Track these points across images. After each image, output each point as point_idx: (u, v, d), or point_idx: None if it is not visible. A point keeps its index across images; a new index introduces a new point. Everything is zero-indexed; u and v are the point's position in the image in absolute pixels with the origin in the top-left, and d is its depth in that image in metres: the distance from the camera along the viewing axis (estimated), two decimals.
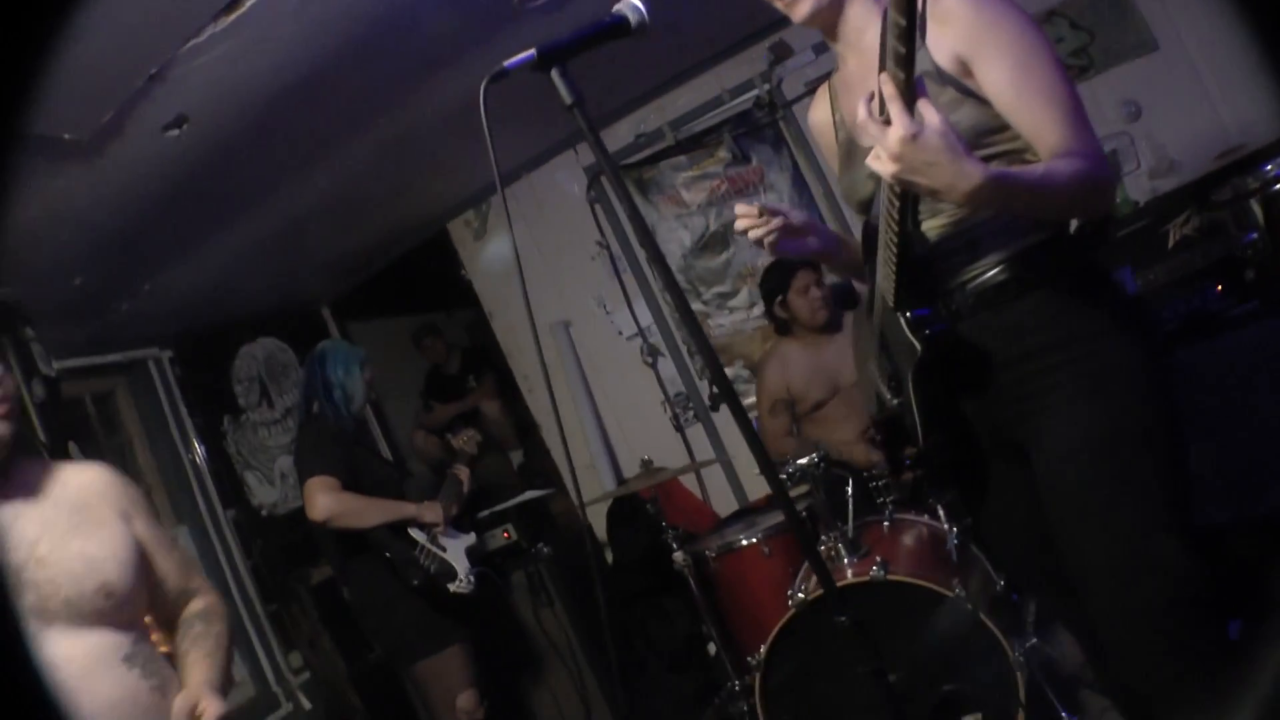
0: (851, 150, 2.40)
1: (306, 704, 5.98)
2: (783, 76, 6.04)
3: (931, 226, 2.27)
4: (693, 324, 2.34)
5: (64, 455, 4.39)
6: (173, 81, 3.57)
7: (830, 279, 5.35)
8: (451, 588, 4.41)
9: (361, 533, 4.38)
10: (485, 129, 2.05)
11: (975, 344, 2.26)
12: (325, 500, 4.27)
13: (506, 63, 2.06)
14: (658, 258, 2.23)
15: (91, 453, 5.01)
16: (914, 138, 1.82)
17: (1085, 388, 2.18)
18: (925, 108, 1.83)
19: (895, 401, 2.44)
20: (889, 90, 1.81)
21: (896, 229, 2.11)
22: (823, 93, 2.63)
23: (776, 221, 2.42)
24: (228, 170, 4.47)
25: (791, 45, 5.99)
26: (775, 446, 5.31)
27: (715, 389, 6.33)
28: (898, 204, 2.05)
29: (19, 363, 4.27)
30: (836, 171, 2.64)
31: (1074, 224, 2.26)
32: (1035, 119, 2.08)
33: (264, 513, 6.38)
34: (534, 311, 6.03)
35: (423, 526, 4.51)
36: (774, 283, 5.36)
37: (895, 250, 2.15)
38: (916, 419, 2.37)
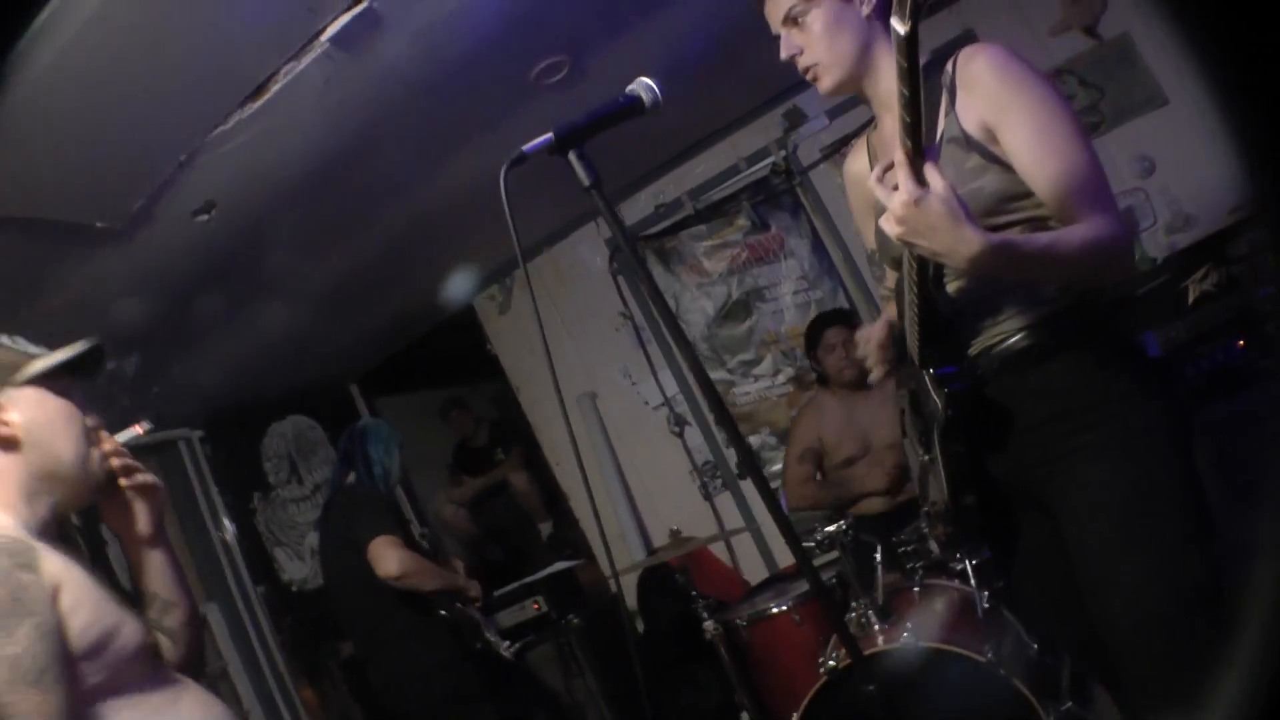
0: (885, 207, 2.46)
1: None
2: (798, 143, 6.11)
3: (956, 289, 2.30)
4: (714, 398, 2.35)
5: (96, 535, 4.43)
6: (201, 168, 3.67)
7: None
8: (503, 651, 4.43)
9: (415, 602, 4.40)
10: (507, 211, 2.10)
11: (1000, 406, 2.29)
12: (399, 555, 4.30)
13: (525, 147, 2.12)
14: (677, 334, 2.25)
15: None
16: (916, 203, 1.89)
17: (1109, 451, 2.18)
18: (931, 174, 1.90)
19: (925, 458, 2.46)
20: (897, 157, 1.90)
21: (917, 288, 2.17)
22: (861, 145, 2.67)
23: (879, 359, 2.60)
24: (255, 252, 4.56)
25: (805, 111, 6.06)
26: (797, 492, 5.34)
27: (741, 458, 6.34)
28: (915, 264, 2.11)
29: None
30: (861, 225, 2.76)
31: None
32: (1052, 185, 2.10)
33: (294, 588, 6.39)
34: (559, 384, 6.12)
35: (465, 601, 4.54)
36: (809, 337, 5.43)
37: (918, 309, 2.21)
38: (943, 476, 2.39)
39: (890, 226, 1.97)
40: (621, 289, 6.47)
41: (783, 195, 6.25)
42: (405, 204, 4.91)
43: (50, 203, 3.42)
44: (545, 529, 7.91)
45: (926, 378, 2.29)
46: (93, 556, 4.26)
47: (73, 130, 3.11)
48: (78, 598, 1.71)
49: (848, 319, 5.47)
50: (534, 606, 5.34)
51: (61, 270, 3.90)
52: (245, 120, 3.50)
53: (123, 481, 2.11)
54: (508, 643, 4.49)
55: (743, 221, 6.33)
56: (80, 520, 4.32)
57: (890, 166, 1.98)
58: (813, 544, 4.13)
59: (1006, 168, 2.17)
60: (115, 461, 2.07)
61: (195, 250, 4.24)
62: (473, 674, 4.41)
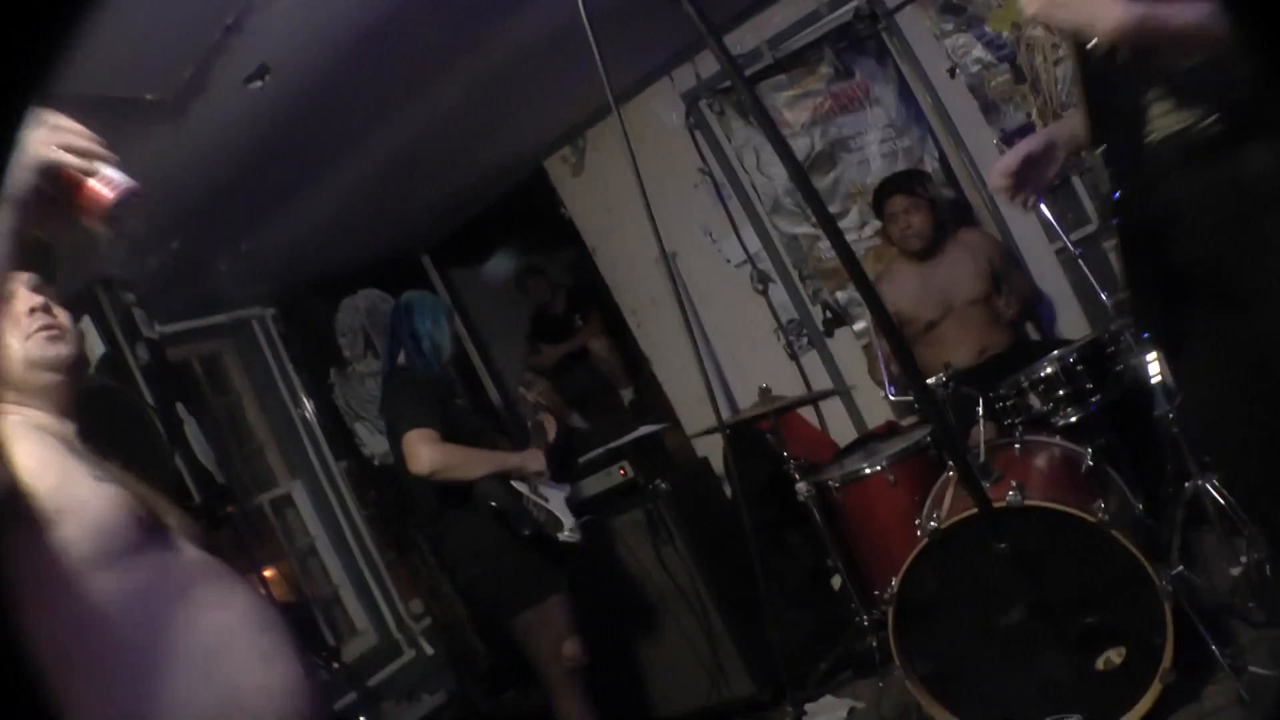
0: None
1: (429, 650, 6.03)
2: None
3: (1132, 69, 2.19)
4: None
5: (173, 417, 4.38)
6: (250, 32, 3.49)
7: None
8: (561, 537, 4.29)
9: (466, 485, 4.28)
10: (584, 15, 1.90)
11: (1187, 197, 2.20)
12: (429, 452, 4.10)
13: None
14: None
15: (202, 413, 5.01)
16: None
17: None
18: None
19: (1106, 245, 2.37)
20: None
21: (1082, 74, 2.16)
22: None
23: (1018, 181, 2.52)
24: (315, 119, 4.40)
25: None
26: (877, 365, 5.23)
27: (828, 314, 6.16)
28: (1075, 50, 2.12)
29: (122, 328, 4.26)
30: None
31: None
32: None
33: (376, 462, 6.37)
34: (637, 245, 5.98)
35: (524, 477, 4.41)
36: (874, 203, 5.38)
37: (1087, 97, 2.20)
38: (1118, 259, 2.40)
39: (1029, 4, 1.98)
40: (700, 144, 6.27)
41: (867, 41, 5.95)
42: (472, 60, 4.69)
43: (94, 77, 3.25)
44: (627, 395, 7.82)
45: (1100, 164, 2.21)
46: (169, 434, 4.20)
47: None
48: (40, 465, 1.66)
49: (911, 184, 5.30)
50: (620, 473, 5.22)
51: (116, 149, 3.74)
52: None
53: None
54: (571, 525, 4.35)
55: (825, 70, 6.04)
56: (154, 399, 4.27)
57: None
58: (910, 398, 3.99)
59: None
60: None
61: (252, 120, 4.09)
62: (530, 556, 4.29)
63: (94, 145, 1.55)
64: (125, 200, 1.58)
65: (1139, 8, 1.90)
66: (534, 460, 4.39)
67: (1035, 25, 5.38)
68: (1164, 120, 2.17)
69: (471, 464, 4.22)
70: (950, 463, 3.84)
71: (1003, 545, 2.18)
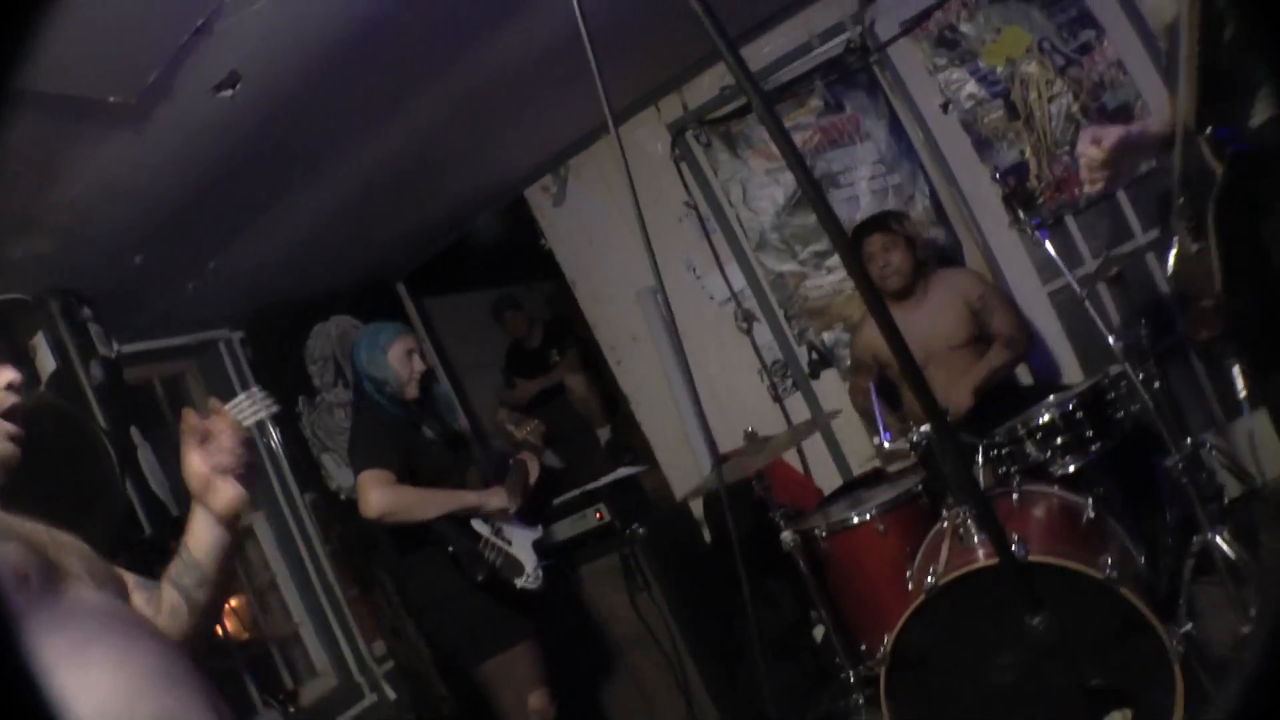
0: None
1: (391, 694, 5.84)
2: (874, 17, 5.66)
3: (1242, 51, 2.09)
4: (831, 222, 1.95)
5: (126, 440, 4.16)
6: (221, 34, 3.29)
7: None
8: (518, 583, 4.16)
9: (421, 526, 4.12)
10: (582, 26, 1.73)
11: None
12: (378, 495, 4.03)
13: None
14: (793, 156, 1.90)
15: (160, 437, 4.80)
16: None
17: None
18: None
19: (1194, 249, 2.30)
20: None
21: (1199, 35, 2.03)
22: None
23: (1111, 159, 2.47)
24: (288, 133, 4.22)
25: None
26: (857, 404, 5.43)
27: (814, 355, 6.01)
28: (1199, 5, 1.99)
29: (75, 344, 4.05)
30: None
31: None
32: None
33: (342, 496, 6.16)
34: (619, 279, 5.84)
35: (487, 519, 4.23)
36: (854, 243, 5.18)
37: (1197, 63, 2.07)
38: (1215, 260, 2.24)
39: None
40: (685, 176, 6.14)
41: (858, 74, 5.86)
42: (454, 78, 4.53)
43: (52, 74, 3.05)
44: (604, 434, 7.69)
45: (1203, 142, 2.12)
46: (120, 460, 3.99)
47: None
48: None
49: (887, 222, 5.20)
50: (596, 516, 5.06)
51: (75, 153, 3.58)
52: None
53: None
54: (531, 569, 4.19)
55: (815, 103, 5.93)
56: (107, 421, 4.05)
57: None
58: (908, 445, 3.85)
59: None
60: None
61: (221, 130, 3.90)
62: (495, 602, 4.18)
63: None
64: None
65: None
66: (494, 498, 4.25)
67: (1029, 61, 5.31)
68: (1272, 100, 2.12)
69: (424, 506, 4.11)
70: (945, 514, 3.68)
71: (1037, 620, 1.99)
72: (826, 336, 6.06)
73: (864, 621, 4.16)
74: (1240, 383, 3.37)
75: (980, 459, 3.72)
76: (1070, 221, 5.32)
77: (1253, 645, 1.93)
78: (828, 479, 6.01)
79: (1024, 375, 5.41)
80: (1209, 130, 2.09)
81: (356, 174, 5.00)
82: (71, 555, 1.73)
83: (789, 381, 6.18)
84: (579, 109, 5.66)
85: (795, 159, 1.76)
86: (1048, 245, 3.69)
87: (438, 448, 4.40)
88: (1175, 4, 2.00)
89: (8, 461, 1.81)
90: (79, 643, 1.58)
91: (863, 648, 4.11)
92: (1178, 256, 2.49)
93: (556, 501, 5.25)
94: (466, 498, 4.21)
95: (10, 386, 1.83)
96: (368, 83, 4.19)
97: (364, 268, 6.78)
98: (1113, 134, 2.46)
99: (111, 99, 3.33)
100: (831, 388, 6.05)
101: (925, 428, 3.72)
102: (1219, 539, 3.43)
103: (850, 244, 5.13)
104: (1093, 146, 2.47)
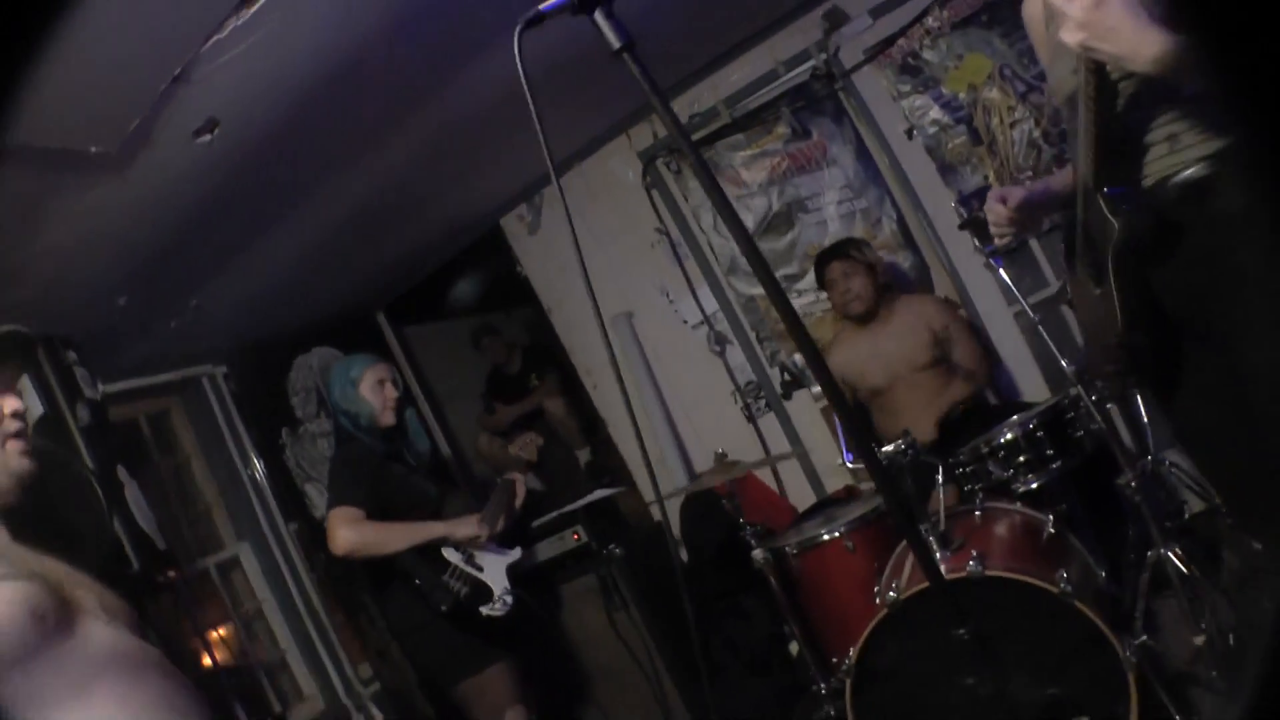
0: (1059, 44, 2.38)
1: (378, 715, 5.90)
2: (839, 45, 5.77)
3: (1132, 118, 2.30)
4: (779, 296, 2.11)
5: (113, 479, 4.26)
6: (198, 83, 3.39)
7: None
8: (484, 611, 4.25)
9: (388, 559, 4.23)
10: (524, 81, 1.85)
11: (1178, 235, 2.28)
12: (345, 534, 4.16)
13: (543, 6, 1.92)
14: (739, 229, 2.15)
15: (146, 474, 4.90)
16: (1097, 5, 1.97)
17: None
18: None
19: (1097, 292, 2.45)
20: None
21: (1094, 107, 2.19)
22: None
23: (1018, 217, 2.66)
24: (266, 174, 4.32)
25: (847, 11, 5.72)
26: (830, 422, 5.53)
27: (786, 376, 6.11)
28: (1095, 80, 2.16)
29: (61, 388, 4.14)
30: (1047, 67, 2.72)
31: None
32: None
33: (325, 524, 6.24)
34: (595, 304, 5.92)
35: (458, 545, 4.34)
36: (816, 273, 5.45)
37: (1094, 131, 2.23)
38: (1116, 303, 2.39)
39: (1070, 34, 2.02)
40: (656, 203, 6.25)
41: (824, 100, 5.97)
42: (426, 116, 4.63)
43: (38, 129, 3.16)
44: (583, 456, 7.76)
45: (1100, 199, 2.28)
46: (107, 498, 4.08)
47: (54, 47, 2.86)
48: None
49: (847, 249, 5.34)
50: (574, 537, 5.16)
51: (59, 202, 3.67)
52: (242, 27, 3.22)
53: None
54: (498, 595, 4.29)
55: (782, 129, 6.05)
56: (95, 465, 4.14)
57: None
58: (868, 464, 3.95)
59: None
60: None
61: (201, 174, 3.99)
62: (467, 627, 4.26)
63: None
64: None
65: (1180, 38, 1.95)
66: (463, 528, 4.36)
67: (991, 87, 5.42)
68: (1160, 163, 2.28)
69: (391, 540, 4.23)
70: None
71: (962, 631, 2.14)
72: (798, 358, 6.12)
73: (834, 636, 4.23)
74: (1144, 414, 3.54)
75: (941, 478, 3.81)
76: (1034, 244, 5.42)
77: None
78: (803, 497, 6.09)
79: (991, 395, 5.51)
80: (1105, 190, 2.26)
81: (334, 210, 5.08)
82: (84, 589, 1.81)
83: (762, 402, 6.27)
84: (550, 139, 5.76)
85: (724, 203, 1.88)
86: (1002, 273, 3.80)
87: (416, 477, 4.50)
88: (1073, 79, 2.16)
89: (27, 478, 1.91)
90: (85, 679, 1.67)
91: (834, 661, 4.20)
92: (1081, 300, 2.65)
93: (535, 523, 5.34)
94: (434, 529, 4.30)
95: (15, 414, 1.92)
96: (342, 123, 4.29)
97: (344, 299, 6.85)
98: (1017, 194, 2.65)
99: (93, 149, 3.42)
100: (803, 408, 6.14)
101: (887, 448, 3.82)
102: (1171, 554, 3.52)
103: (814, 266, 5.32)
104: (999, 205, 2.64)
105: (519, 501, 4.68)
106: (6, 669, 1.58)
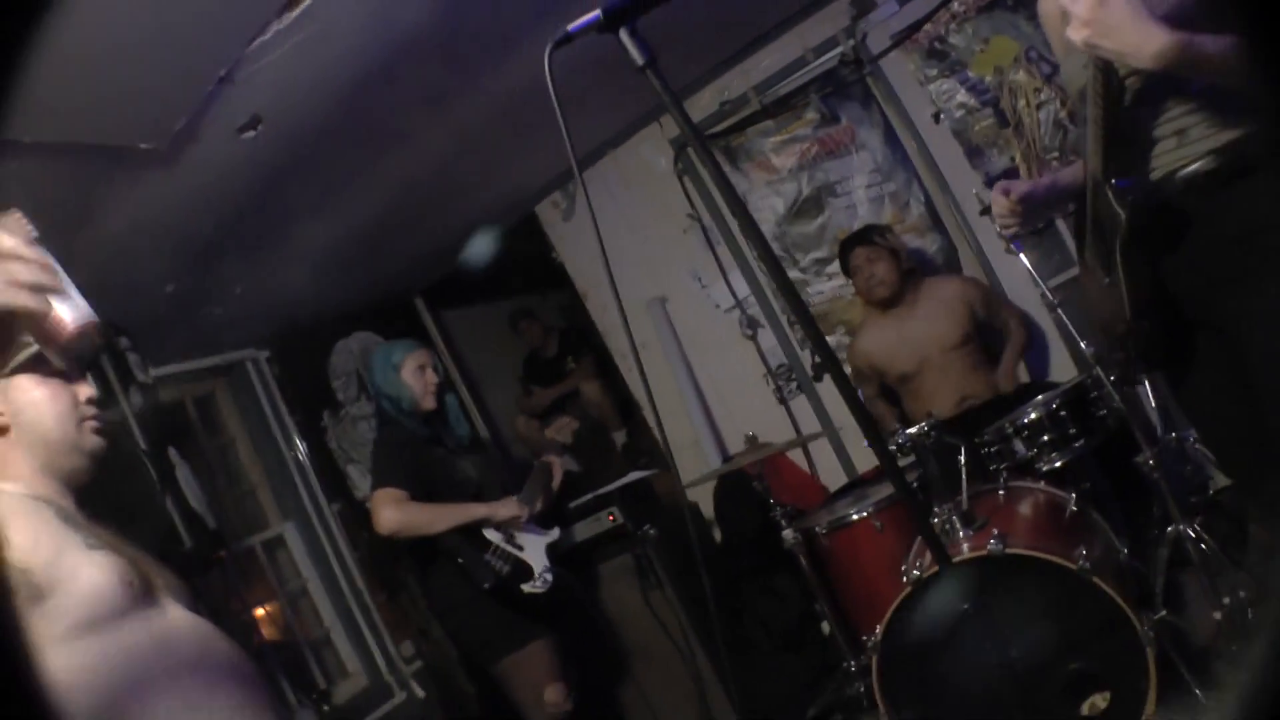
0: (1070, 40, 2.45)
1: (420, 692, 6.02)
2: (866, 31, 5.82)
3: (1142, 111, 2.36)
4: (791, 295, 2.25)
5: (164, 461, 4.41)
6: (242, 83, 3.53)
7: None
8: (525, 588, 4.36)
9: (432, 538, 4.35)
10: (554, 99, 1.97)
11: (1185, 226, 2.35)
12: (390, 514, 4.26)
13: (570, 26, 1.99)
14: (752, 229, 2.21)
15: (193, 456, 5.03)
16: (1101, 3, 2.03)
17: None
18: None
19: (1106, 281, 2.52)
20: None
21: (1102, 103, 2.26)
22: None
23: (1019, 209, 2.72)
24: (307, 167, 4.44)
25: None
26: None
27: (817, 358, 6.19)
28: (1101, 77, 2.22)
29: (116, 373, 4.29)
30: (1061, 62, 2.76)
31: None
32: None
33: (368, 504, 6.37)
34: (628, 289, 6.02)
35: (498, 526, 4.45)
36: (840, 260, 5.53)
37: (1102, 126, 2.30)
38: (1124, 292, 2.46)
39: (1075, 31, 2.09)
40: (688, 189, 6.34)
41: (852, 86, 6.03)
42: (461, 109, 4.75)
43: (91, 127, 3.31)
44: (619, 438, 7.85)
45: (1108, 190, 2.35)
46: (160, 478, 4.23)
47: (107, 50, 2.99)
48: (35, 540, 1.78)
49: (870, 235, 5.42)
50: (609, 518, 5.25)
51: (111, 196, 3.82)
52: (284, 30, 3.34)
53: None
54: (539, 573, 4.40)
55: (811, 115, 6.12)
56: (146, 444, 4.29)
57: None
58: (894, 447, 4.02)
59: None
60: None
61: (245, 167, 4.13)
62: (508, 604, 4.38)
63: (47, 278, 1.51)
64: (81, 333, 1.63)
65: (1181, 35, 2.02)
66: (504, 509, 4.45)
67: (1017, 70, 5.46)
68: (1168, 156, 2.33)
69: (435, 521, 4.33)
70: (935, 510, 3.86)
71: (966, 607, 2.22)
72: (829, 340, 6.22)
73: (864, 614, 4.31)
74: (1151, 405, 3.60)
75: (963, 458, 3.88)
76: (1060, 225, 5.47)
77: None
78: (835, 478, 6.18)
79: (1022, 374, 5.58)
80: (1113, 181, 2.32)
81: (372, 200, 5.21)
82: (155, 570, 1.97)
83: (793, 384, 6.36)
84: (583, 128, 5.86)
85: (734, 201, 1.98)
86: (1023, 258, 3.87)
87: (457, 459, 4.62)
88: (1084, 74, 2.22)
89: (98, 452, 2.06)
90: (167, 645, 1.82)
91: (864, 639, 4.29)
92: (1091, 288, 2.71)
93: (572, 505, 5.44)
94: (476, 510, 4.41)
95: (90, 400, 2.07)
96: (380, 118, 4.41)
97: (383, 285, 6.98)
98: (1021, 187, 2.71)
99: (143, 145, 3.57)
100: (833, 390, 6.14)
101: (910, 430, 3.91)
102: (1190, 530, 3.58)
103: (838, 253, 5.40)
104: (1001, 197, 2.71)
105: (556, 483, 4.79)
106: (101, 629, 1.72)
